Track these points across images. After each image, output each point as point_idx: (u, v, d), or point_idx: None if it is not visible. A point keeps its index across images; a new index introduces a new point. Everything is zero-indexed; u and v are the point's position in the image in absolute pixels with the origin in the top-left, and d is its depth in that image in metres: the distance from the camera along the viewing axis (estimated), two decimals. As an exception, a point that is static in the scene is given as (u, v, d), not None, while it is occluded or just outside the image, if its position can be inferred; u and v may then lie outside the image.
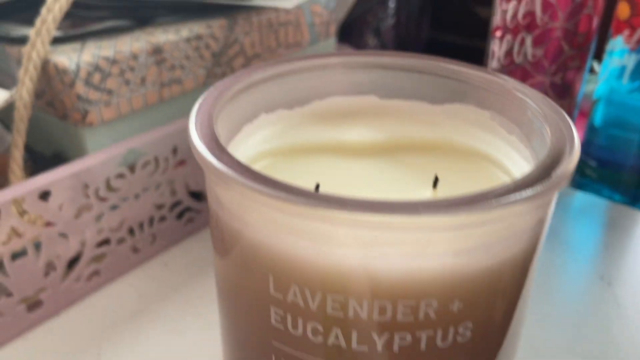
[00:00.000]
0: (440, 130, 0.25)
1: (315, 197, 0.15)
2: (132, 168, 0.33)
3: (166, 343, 0.31)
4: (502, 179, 0.22)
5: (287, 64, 0.24)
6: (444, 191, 0.22)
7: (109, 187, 0.33)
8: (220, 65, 0.37)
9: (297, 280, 0.16)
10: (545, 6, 0.33)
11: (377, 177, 0.23)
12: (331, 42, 0.46)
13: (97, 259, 0.34)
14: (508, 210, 0.15)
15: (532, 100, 0.21)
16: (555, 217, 0.42)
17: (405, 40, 0.59)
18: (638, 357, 0.30)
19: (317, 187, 0.22)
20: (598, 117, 0.43)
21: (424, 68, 0.25)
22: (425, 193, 0.22)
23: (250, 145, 0.23)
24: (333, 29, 0.45)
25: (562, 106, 0.36)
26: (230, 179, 0.16)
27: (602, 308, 0.34)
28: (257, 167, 0.23)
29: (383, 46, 0.55)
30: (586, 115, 0.51)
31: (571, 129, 0.19)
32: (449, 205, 0.15)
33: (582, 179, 0.46)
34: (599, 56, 0.42)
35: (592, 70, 0.53)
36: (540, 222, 0.17)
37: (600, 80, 0.43)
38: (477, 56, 0.35)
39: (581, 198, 0.45)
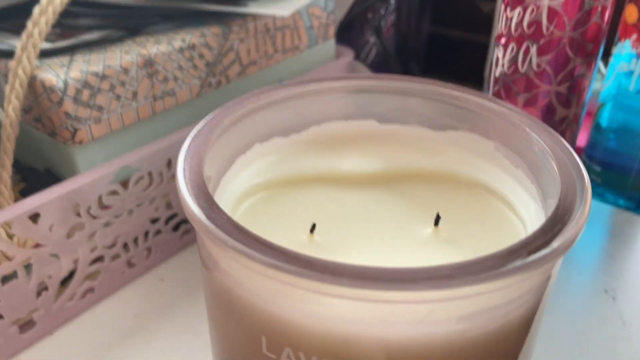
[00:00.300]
0: (442, 159, 0.24)
1: (310, 266, 0.14)
2: (125, 184, 0.32)
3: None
4: (507, 216, 0.21)
5: (282, 91, 0.23)
6: (446, 229, 0.21)
7: (101, 205, 0.32)
8: (214, 75, 0.36)
9: (291, 343, 0.16)
10: (552, 15, 0.32)
11: (376, 211, 0.22)
12: (330, 43, 0.45)
13: (91, 276, 0.33)
14: (514, 278, 0.14)
15: (539, 135, 0.20)
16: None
17: (406, 36, 0.58)
18: (642, 380, 0.30)
19: (314, 227, 0.21)
20: (604, 121, 0.42)
21: (424, 93, 0.24)
22: (426, 230, 0.21)
23: (244, 178, 0.22)
24: (332, 30, 0.44)
25: (566, 116, 0.35)
26: (223, 243, 0.15)
27: (606, 325, 0.33)
28: (252, 201, 0.22)
29: (383, 44, 0.54)
30: (592, 115, 0.49)
31: (581, 171, 0.18)
32: (451, 276, 0.14)
33: (586, 184, 0.45)
34: (606, 55, 0.41)
35: (597, 69, 0.52)
36: (548, 279, 0.17)
37: (606, 84, 0.42)
38: (479, 51, 0.34)
39: (585, 204, 0.44)
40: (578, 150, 0.47)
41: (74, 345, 0.32)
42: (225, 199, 0.21)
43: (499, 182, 0.22)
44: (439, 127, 0.24)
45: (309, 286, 0.14)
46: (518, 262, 0.14)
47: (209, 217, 0.15)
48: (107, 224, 0.32)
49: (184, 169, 0.17)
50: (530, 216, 0.20)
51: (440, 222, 0.21)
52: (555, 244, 0.15)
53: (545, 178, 0.19)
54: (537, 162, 0.20)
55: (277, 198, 0.22)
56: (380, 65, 0.56)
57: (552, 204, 0.18)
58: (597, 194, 0.44)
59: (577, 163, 0.18)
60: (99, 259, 0.33)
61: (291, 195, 0.23)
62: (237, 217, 0.21)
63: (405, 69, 0.60)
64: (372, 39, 0.55)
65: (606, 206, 0.43)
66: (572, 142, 0.37)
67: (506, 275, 0.14)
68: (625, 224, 0.42)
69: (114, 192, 0.32)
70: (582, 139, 0.46)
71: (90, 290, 0.33)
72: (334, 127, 0.25)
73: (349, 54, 0.46)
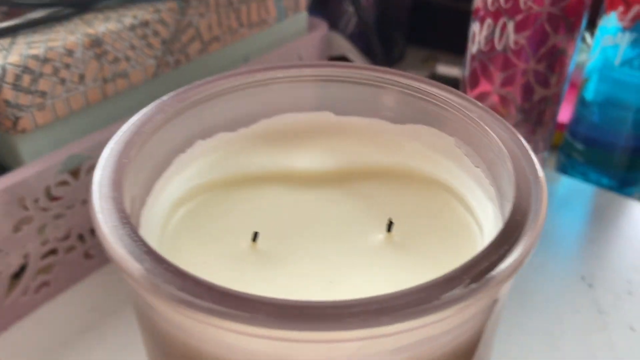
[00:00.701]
0: (400, 154, 0.22)
1: (224, 302, 0.13)
2: (75, 174, 0.31)
3: (120, 358, 0.29)
4: (465, 220, 0.20)
5: (227, 80, 0.21)
6: (400, 233, 0.20)
7: (50, 196, 0.30)
8: (172, 53, 0.34)
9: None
10: (530, -12, 0.30)
11: (327, 214, 0.21)
12: (302, 16, 0.42)
13: (45, 270, 0.32)
14: (451, 310, 0.13)
15: (498, 135, 0.18)
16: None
17: (388, 4, 0.55)
18: (615, 373, 0.29)
19: (256, 235, 0.19)
20: (589, 94, 0.40)
21: (383, 83, 0.22)
22: (379, 236, 0.20)
23: (183, 180, 0.21)
24: (303, 1, 0.42)
25: (545, 96, 0.33)
26: (150, 287, 0.13)
27: (581, 315, 0.32)
28: (191, 205, 0.20)
29: (360, 14, 0.51)
30: (576, 88, 0.47)
31: (539, 184, 0.16)
32: (380, 311, 0.12)
33: (568, 162, 0.43)
34: (592, 25, 0.39)
35: (583, 39, 0.50)
36: (495, 302, 0.15)
37: (591, 58, 0.40)
38: (466, 19, 0.32)
39: (566, 184, 0.42)
40: (561, 127, 0.46)
41: (30, 342, 0.30)
42: (159, 205, 0.19)
43: (459, 181, 0.21)
44: (399, 120, 0.22)
45: (223, 325, 0.12)
46: (456, 292, 0.13)
47: (128, 251, 0.14)
48: (58, 216, 0.31)
49: (100, 186, 0.15)
50: (488, 221, 0.19)
51: (395, 225, 0.20)
52: (500, 268, 0.13)
53: (503, 181, 0.18)
54: (496, 164, 0.18)
55: (221, 200, 0.21)
56: (361, 37, 0.53)
57: (509, 210, 0.16)
58: (580, 172, 0.43)
59: (536, 171, 0.16)
60: (52, 251, 0.32)
61: (236, 196, 0.21)
62: (172, 225, 0.19)
63: (387, 39, 0.57)
64: (350, 8, 0.52)
65: (588, 186, 0.42)
66: (553, 123, 0.35)
67: (441, 308, 0.12)
68: (607, 205, 0.40)
69: (63, 182, 0.30)
70: (566, 115, 0.45)
71: (46, 284, 0.32)
72: (286, 120, 0.23)
73: (322, 27, 0.44)
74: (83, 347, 0.30)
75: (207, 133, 0.21)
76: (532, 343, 0.30)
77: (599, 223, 0.39)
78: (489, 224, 0.19)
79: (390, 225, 0.19)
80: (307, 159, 0.22)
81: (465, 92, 0.35)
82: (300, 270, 0.18)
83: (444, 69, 0.52)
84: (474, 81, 0.34)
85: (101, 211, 0.15)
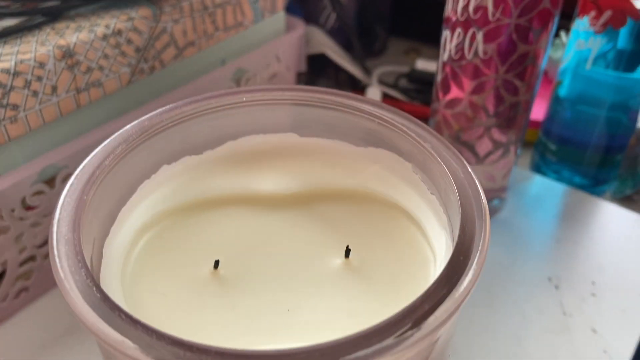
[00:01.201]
0: (361, 177, 0.23)
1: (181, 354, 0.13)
2: (51, 183, 0.31)
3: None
4: (421, 246, 0.21)
5: (191, 106, 0.22)
6: (358, 258, 0.20)
7: (26, 206, 0.30)
8: (147, 60, 0.34)
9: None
10: (498, 1, 0.30)
11: (289, 238, 0.21)
12: (279, 16, 0.42)
13: (24, 275, 0.32)
14: (388, 357, 0.14)
15: (448, 167, 0.19)
16: (508, 207, 0.40)
17: (368, -2, 0.55)
18: (574, 376, 0.30)
19: (217, 263, 0.20)
20: (563, 90, 0.40)
21: (345, 107, 0.22)
22: (338, 261, 0.20)
23: (149, 205, 0.21)
24: (281, 1, 0.42)
25: (515, 103, 0.34)
26: (103, 338, 0.14)
27: (546, 316, 0.33)
28: (156, 230, 0.21)
29: (337, 9, 0.51)
30: (551, 84, 0.48)
31: (483, 225, 0.17)
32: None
33: (542, 161, 0.44)
34: (568, 18, 0.39)
35: (557, 36, 0.50)
36: (436, 340, 0.16)
37: (564, 60, 0.40)
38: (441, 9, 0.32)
39: (539, 183, 0.43)
40: (536, 124, 0.46)
41: (9, 346, 0.31)
42: (123, 233, 0.20)
43: (415, 207, 0.21)
44: (361, 143, 0.23)
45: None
46: (388, 342, 0.14)
47: (84, 299, 0.14)
48: (35, 224, 0.31)
49: (59, 227, 0.16)
50: (441, 248, 0.20)
51: (354, 250, 0.20)
52: (433, 318, 0.14)
53: (453, 211, 0.18)
54: (447, 194, 0.19)
55: (184, 225, 0.21)
56: (341, 31, 0.53)
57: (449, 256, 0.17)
58: (553, 170, 0.44)
59: (482, 207, 0.17)
60: (31, 258, 0.32)
61: (200, 221, 0.21)
62: (135, 253, 0.20)
63: (369, 32, 0.57)
64: (329, 4, 0.52)
65: (560, 186, 0.42)
66: (524, 130, 0.36)
67: (376, 356, 0.13)
68: (577, 205, 0.41)
69: (39, 192, 0.31)
70: (540, 112, 0.45)
71: (25, 289, 0.33)
72: (252, 142, 0.23)
73: (300, 26, 0.44)
74: (62, 351, 0.31)
75: (172, 157, 0.22)
76: (496, 344, 0.31)
77: (569, 223, 0.40)
78: (441, 252, 0.19)
79: (348, 252, 0.20)
80: (271, 181, 0.23)
81: (438, 95, 0.36)
82: (259, 297, 0.19)
83: (423, 64, 0.52)
84: (445, 87, 0.35)
85: (58, 256, 0.15)
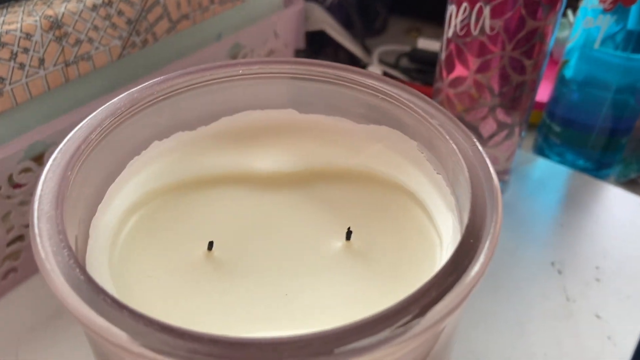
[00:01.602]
0: (363, 156, 0.22)
1: (170, 341, 0.12)
2: (39, 160, 0.30)
3: (88, 346, 0.29)
4: (425, 227, 0.20)
5: (186, 78, 0.21)
6: (360, 240, 0.19)
7: (13, 184, 0.29)
8: (139, 33, 0.32)
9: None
10: (508, -27, 0.28)
11: (287, 219, 0.20)
12: (277, -12, 0.41)
13: (12, 256, 0.31)
14: (383, 351, 0.13)
15: (458, 145, 0.18)
16: (511, 190, 0.39)
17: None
18: (578, 362, 0.29)
19: (211, 244, 0.19)
20: (569, 71, 0.39)
21: (348, 82, 0.21)
22: (338, 243, 0.19)
23: (138, 183, 0.20)
24: (278, -26, 0.40)
25: (522, 82, 0.32)
26: (86, 322, 0.13)
27: (549, 302, 0.32)
28: (147, 210, 0.20)
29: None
30: (557, 65, 0.47)
31: (495, 206, 0.16)
32: (318, 352, 0.12)
33: (545, 143, 0.43)
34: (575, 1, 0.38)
35: (564, 15, 0.49)
36: (441, 331, 0.15)
37: (571, 39, 0.39)
38: None
39: (542, 166, 0.42)
40: (540, 106, 0.45)
41: (-2, 328, 0.30)
42: (111, 212, 0.19)
43: (420, 187, 0.20)
44: (363, 120, 0.21)
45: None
46: (390, 331, 0.13)
47: (66, 280, 0.13)
48: (23, 203, 0.30)
49: (40, 203, 0.15)
50: (448, 230, 0.19)
51: (355, 231, 0.19)
52: (440, 307, 0.13)
53: (461, 193, 0.17)
54: (456, 173, 0.18)
55: (177, 205, 0.20)
56: (341, 8, 0.52)
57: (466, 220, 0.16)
58: (557, 153, 0.43)
59: (494, 187, 0.16)
60: (19, 238, 0.31)
61: (193, 200, 0.20)
62: (124, 234, 0.19)
63: (369, 9, 0.56)
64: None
65: (564, 169, 0.41)
66: (529, 111, 0.35)
67: (375, 348, 0.12)
68: (580, 189, 0.40)
69: (26, 170, 0.29)
70: (545, 93, 0.44)
71: (13, 270, 0.32)
72: (249, 118, 0.22)
73: (299, 2, 0.42)
74: (52, 332, 0.30)
75: (164, 133, 0.21)
76: (499, 329, 0.30)
77: (573, 207, 0.39)
78: (448, 234, 0.18)
79: (349, 234, 0.19)
80: (268, 159, 0.22)
81: (442, 74, 0.34)
82: (256, 281, 0.18)
83: (425, 44, 0.51)
84: (449, 65, 0.33)
85: (39, 235, 0.14)
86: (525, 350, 0.30)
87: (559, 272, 0.34)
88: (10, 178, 0.29)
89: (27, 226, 0.31)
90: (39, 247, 0.14)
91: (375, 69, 0.48)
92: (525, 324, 0.31)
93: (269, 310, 0.17)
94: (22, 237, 0.31)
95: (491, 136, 0.35)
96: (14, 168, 0.29)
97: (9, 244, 0.31)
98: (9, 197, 0.29)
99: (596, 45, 0.37)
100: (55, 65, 0.29)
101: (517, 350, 0.29)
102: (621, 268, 0.34)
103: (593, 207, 0.39)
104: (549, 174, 0.41)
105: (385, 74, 0.49)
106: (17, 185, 0.30)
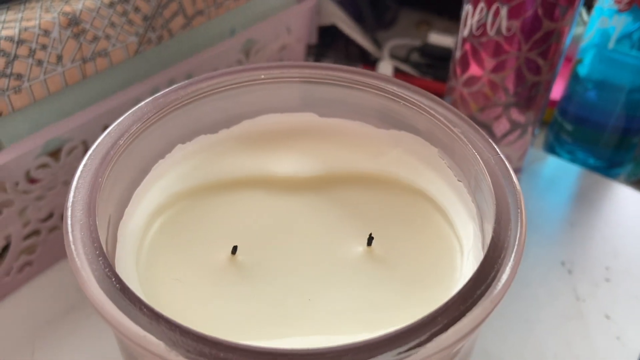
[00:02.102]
0: (384, 161, 0.22)
1: (205, 352, 0.13)
2: (56, 156, 0.30)
3: (105, 338, 0.30)
4: (446, 235, 0.20)
5: (208, 82, 0.21)
6: (380, 246, 0.20)
7: (30, 179, 0.29)
8: (154, 29, 0.32)
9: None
10: (526, -26, 0.28)
11: (308, 223, 0.21)
12: (292, -18, 0.41)
13: (28, 250, 0.32)
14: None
15: (480, 154, 0.18)
16: (522, 188, 0.40)
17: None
18: (588, 361, 0.30)
19: (235, 249, 0.19)
20: (583, 69, 0.39)
21: (369, 86, 0.21)
22: (359, 248, 0.20)
23: (163, 187, 0.20)
24: (292, -31, 0.40)
25: (536, 83, 0.32)
26: (122, 330, 0.13)
27: (559, 301, 0.33)
28: (171, 213, 0.20)
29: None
30: (569, 62, 0.47)
31: (520, 215, 0.16)
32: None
33: (556, 141, 0.43)
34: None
35: (579, 15, 0.48)
36: (460, 349, 0.15)
37: (586, 39, 0.39)
38: None
39: (553, 164, 0.42)
40: (552, 104, 0.45)
41: (14, 321, 0.31)
42: (137, 216, 0.19)
43: (441, 194, 0.20)
44: (383, 124, 0.22)
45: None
46: (414, 344, 0.13)
47: (101, 289, 0.13)
48: (39, 198, 0.30)
49: (73, 210, 0.15)
50: (468, 237, 0.19)
51: (376, 237, 0.20)
52: (469, 318, 0.13)
53: (483, 202, 0.18)
54: (478, 182, 0.18)
55: (199, 208, 0.20)
56: (352, 1, 0.52)
57: (489, 230, 0.16)
58: (567, 151, 0.43)
59: (517, 198, 0.16)
60: (35, 232, 0.31)
61: (215, 204, 0.21)
62: (150, 237, 0.19)
63: (379, 4, 0.56)
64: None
65: (575, 167, 0.42)
66: (543, 110, 0.35)
67: None
68: (591, 188, 0.40)
69: (44, 165, 0.30)
70: (558, 91, 0.44)
71: (29, 263, 0.32)
72: (269, 121, 0.22)
73: (312, -4, 0.42)
74: (67, 325, 0.30)
75: (187, 137, 0.21)
76: (508, 328, 0.31)
77: (583, 206, 0.39)
78: (469, 243, 0.19)
79: (370, 240, 0.19)
80: (289, 163, 0.22)
81: (456, 73, 0.35)
82: (280, 286, 0.18)
83: (436, 38, 0.51)
84: (464, 64, 0.33)
85: (74, 242, 0.14)
86: (534, 349, 0.30)
87: (569, 271, 0.35)
88: (27, 174, 0.29)
89: (43, 221, 0.31)
90: (74, 255, 0.14)
91: (386, 63, 0.48)
92: (534, 323, 0.31)
93: (294, 315, 0.18)
94: (38, 232, 0.32)
95: (504, 135, 0.35)
96: (31, 164, 0.29)
97: (25, 238, 0.31)
98: (25, 192, 0.30)
99: (611, 45, 0.37)
100: (73, 62, 0.29)
101: (526, 350, 0.30)
102: (631, 268, 0.34)
103: (603, 206, 0.39)
104: (559, 172, 0.41)
105: (396, 69, 0.49)
106: (33, 181, 0.30)
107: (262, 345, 0.13)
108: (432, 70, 0.49)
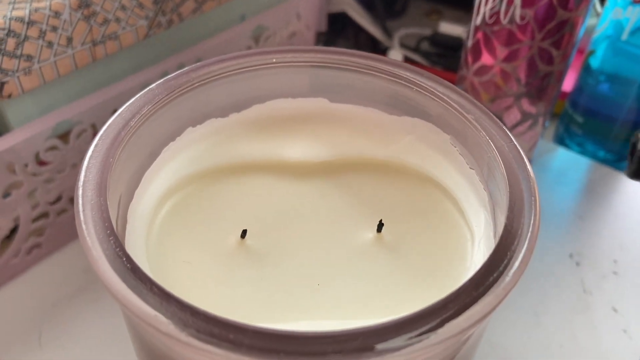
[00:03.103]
0: (395, 148, 0.22)
1: (214, 332, 0.13)
2: (65, 138, 0.30)
3: (112, 321, 0.30)
4: (457, 222, 0.20)
5: (219, 65, 0.21)
6: (390, 233, 0.20)
7: (40, 162, 0.29)
8: (164, 13, 0.32)
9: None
10: (541, -38, 0.28)
11: (318, 208, 0.20)
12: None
13: (36, 232, 0.32)
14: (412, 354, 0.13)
15: (494, 142, 0.18)
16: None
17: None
18: (598, 356, 0.30)
19: (244, 233, 0.19)
20: (595, 61, 0.39)
21: (381, 72, 0.21)
22: (368, 235, 0.20)
23: (173, 169, 0.20)
24: (303, -45, 0.40)
25: (549, 73, 0.32)
26: (132, 309, 0.13)
27: (566, 294, 0.32)
28: (181, 196, 0.20)
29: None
30: (581, 53, 0.46)
31: (533, 204, 0.16)
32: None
33: (566, 133, 0.43)
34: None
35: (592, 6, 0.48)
36: (467, 338, 0.15)
37: (599, 30, 0.38)
38: None
39: (562, 156, 0.42)
40: (563, 95, 0.45)
41: (22, 302, 0.31)
42: (147, 197, 0.19)
43: (452, 181, 0.20)
44: (395, 111, 0.21)
45: (206, 350, 0.13)
46: (409, 340, 0.13)
47: (112, 268, 0.13)
48: (48, 180, 0.30)
49: (84, 190, 0.15)
50: (480, 225, 0.19)
51: (386, 224, 0.20)
52: (480, 306, 0.13)
53: (496, 189, 0.17)
54: (491, 170, 0.18)
55: (209, 192, 0.20)
56: (362, -9, 0.51)
57: (501, 218, 0.16)
58: (577, 143, 0.42)
59: (531, 181, 0.16)
60: (44, 214, 0.32)
61: (225, 188, 0.21)
62: (159, 219, 0.19)
63: (389, -7, 0.55)
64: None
65: (584, 160, 0.41)
66: (554, 101, 0.35)
67: (408, 347, 0.12)
68: (600, 180, 0.40)
69: (53, 148, 0.30)
70: (569, 82, 0.44)
71: (37, 245, 0.32)
72: (280, 106, 0.22)
73: (322, -18, 0.42)
74: (75, 307, 0.31)
75: (197, 120, 0.21)
76: (515, 319, 0.31)
77: (592, 198, 0.39)
78: (480, 231, 0.19)
79: (380, 226, 0.19)
80: (299, 148, 0.22)
81: (467, 61, 0.34)
82: (289, 270, 0.18)
83: (447, 27, 0.50)
84: (476, 53, 0.33)
85: (85, 222, 0.14)
86: (541, 341, 0.30)
87: (577, 264, 0.34)
88: (37, 156, 0.29)
89: (52, 203, 0.31)
90: (85, 234, 0.14)
91: (396, 52, 0.48)
92: (541, 315, 0.31)
93: (302, 300, 0.18)
94: (46, 214, 0.32)
95: (515, 126, 0.35)
96: (41, 146, 0.29)
97: (34, 220, 0.31)
98: (34, 174, 0.30)
99: (624, 37, 0.36)
100: (83, 44, 0.29)
101: (532, 341, 0.30)
102: (639, 261, 0.34)
103: (612, 199, 0.39)
104: (569, 164, 0.41)
105: (406, 58, 0.48)
106: (43, 163, 0.30)
107: (271, 327, 0.13)
108: (442, 59, 0.48)
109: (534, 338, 0.30)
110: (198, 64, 0.20)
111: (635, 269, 0.34)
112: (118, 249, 0.14)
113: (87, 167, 0.16)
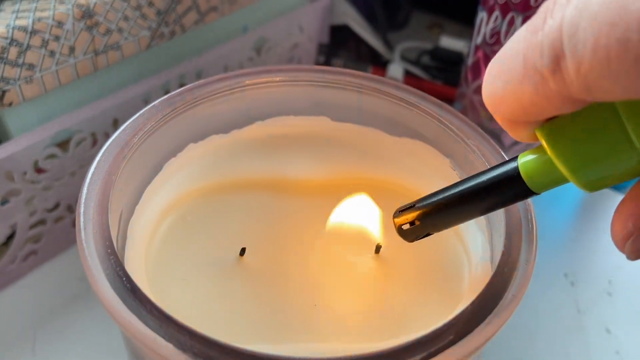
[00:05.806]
0: (394, 168, 0.22)
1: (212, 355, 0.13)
2: (64, 146, 0.30)
3: (107, 330, 0.30)
4: (454, 247, 0.20)
5: (221, 83, 0.21)
6: (387, 257, 0.20)
7: (38, 169, 0.29)
8: (167, 24, 0.32)
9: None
10: (543, -16, 0.28)
11: (317, 227, 0.21)
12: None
13: (33, 238, 0.32)
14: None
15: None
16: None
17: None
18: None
19: (243, 250, 0.19)
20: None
21: (383, 93, 0.21)
22: (365, 257, 0.20)
23: (174, 185, 0.20)
24: (306, -32, 0.40)
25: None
26: (131, 330, 0.13)
27: (561, 314, 0.33)
28: (180, 212, 0.20)
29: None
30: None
31: (531, 230, 0.16)
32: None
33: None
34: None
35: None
36: None
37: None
38: None
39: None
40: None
41: (17, 309, 0.31)
42: (148, 213, 0.19)
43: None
44: (396, 132, 0.21)
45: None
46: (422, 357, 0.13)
47: (112, 288, 0.13)
48: (46, 188, 0.30)
49: (86, 207, 0.15)
50: (477, 250, 0.19)
51: (384, 245, 0.20)
52: (479, 331, 0.13)
53: (493, 216, 0.18)
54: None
55: (211, 207, 0.20)
56: (366, 3, 0.52)
57: (498, 243, 0.16)
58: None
59: (528, 212, 0.16)
60: (41, 222, 0.32)
61: (227, 204, 0.21)
62: (159, 235, 0.19)
63: (392, 4, 0.55)
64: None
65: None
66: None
67: None
68: (596, 199, 0.40)
69: (52, 156, 0.30)
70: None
71: (33, 252, 0.32)
72: (281, 123, 0.22)
73: (325, -5, 0.42)
74: (70, 316, 0.31)
75: (199, 136, 0.21)
76: (508, 339, 0.31)
77: (588, 218, 0.39)
78: (477, 254, 0.19)
79: (378, 248, 0.19)
80: (300, 166, 0.22)
81: (467, 79, 0.34)
82: (286, 290, 0.18)
83: (447, 42, 0.51)
84: (476, 71, 0.33)
85: (85, 240, 0.14)
86: (535, 360, 0.30)
87: (572, 283, 0.35)
88: (35, 163, 0.29)
89: (49, 211, 0.31)
90: (86, 253, 0.14)
91: (397, 65, 0.48)
92: (534, 334, 0.31)
93: (298, 320, 0.18)
94: (44, 221, 0.32)
95: (513, 144, 0.35)
96: (40, 154, 0.29)
97: (31, 227, 0.31)
98: (33, 182, 0.30)
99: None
100: (85, 54, 0.29)
101: (526, 360, 0.30)
102: (634, 282, 0.34)
103: (608, 218, 0.39)
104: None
105: (407, 71, 0.48)
106: (41, 171, 0.30)
107: (267, 351, 0.13)
108: (443, 74, 0.49)
109: (528, 357, 0.30)
110: (201, 81, 0.20)
111: (629, 290, 0.34)
112: (118, 269, 0.14)
113: (90, 183, 0.16)
